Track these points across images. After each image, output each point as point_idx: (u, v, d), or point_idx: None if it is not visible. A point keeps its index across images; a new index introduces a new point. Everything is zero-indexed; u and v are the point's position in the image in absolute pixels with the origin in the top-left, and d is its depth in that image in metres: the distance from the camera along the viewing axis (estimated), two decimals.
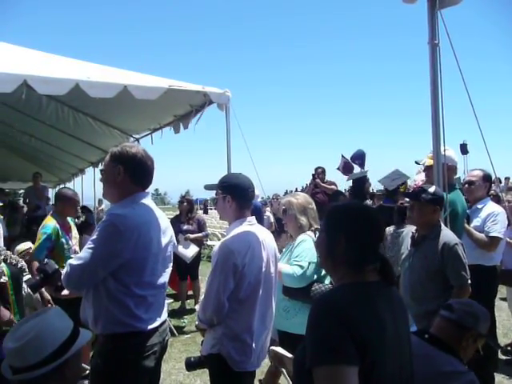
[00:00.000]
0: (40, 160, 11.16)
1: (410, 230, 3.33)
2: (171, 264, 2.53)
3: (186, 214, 7.25)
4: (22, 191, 12.94)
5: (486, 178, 4.09)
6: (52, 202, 15.43)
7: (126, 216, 2.20)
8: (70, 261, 2.24)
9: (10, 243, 5.92)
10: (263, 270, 2.53)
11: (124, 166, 2.31)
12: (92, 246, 2.18)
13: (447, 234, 3.01)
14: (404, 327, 1.56)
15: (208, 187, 2.74)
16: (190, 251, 6.80)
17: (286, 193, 16.74)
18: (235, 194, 2.58)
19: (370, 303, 1.45)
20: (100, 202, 13.75)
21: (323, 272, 3.18)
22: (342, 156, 6.91)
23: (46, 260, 3.29)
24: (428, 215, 3.05)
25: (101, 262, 2.16)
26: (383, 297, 1.51)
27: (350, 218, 1.60)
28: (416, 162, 3.79)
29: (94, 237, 2.20)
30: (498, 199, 7.18)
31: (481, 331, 2.04)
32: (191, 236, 6.90)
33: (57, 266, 2.77)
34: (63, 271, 2.26)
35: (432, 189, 3.07)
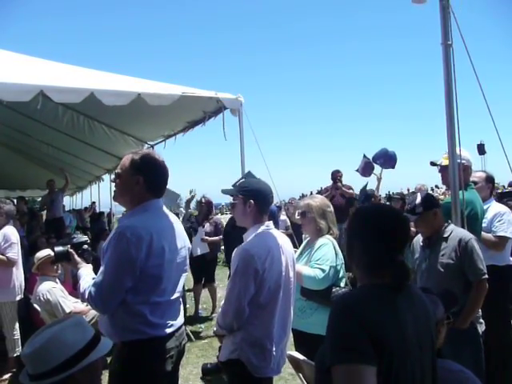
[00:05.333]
0: (57, 168, 11.35)
1: (419, 237, 3.33)
2: (187, 268, 2.53)
3: (205, 215, 7.24)
4: (39, 199, 13.13)
5: (489, 180, 4.14)
6: (68, 208, 15.68)
7: (136, 225, 2.19)
8: (90, 288, 2.19)
9: (30, 251, 6.01)
10: (283, 274, 2.52)
11: (144, 176, 2.30)
12: (108, 264, 2.17)
13: (461, 231, 3.03)
14: (426, 331, 1.55)
15: (225, 192, 2.74)
16: (200, 249, 6.78)
17: (302, 196, 16.70)
18: (257, 198, 2.57)
19: (388, 305, 1.46)
20: None
21: (340, 275, 3.24)
22: (364, 156, 6.79)
23: (74, 234, 3.26)
24: (432, 221, 3.09)
25: (123, 277, 2.15)
26: (405, 299, 1.51)
27: (365, 222, 1.62)
28: (431, 163, 3.76)
29: (108, 254, 2.18)
30: None
31: (439, 317, 2.00)
32: (209, 239, 6.89)
33: (84, 239, 2.75)
34: (86, 296, 2.22)
35: (418, 199, 3.12)
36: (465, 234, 3.01)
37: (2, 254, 4.70)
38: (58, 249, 2.55)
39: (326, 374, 1.37)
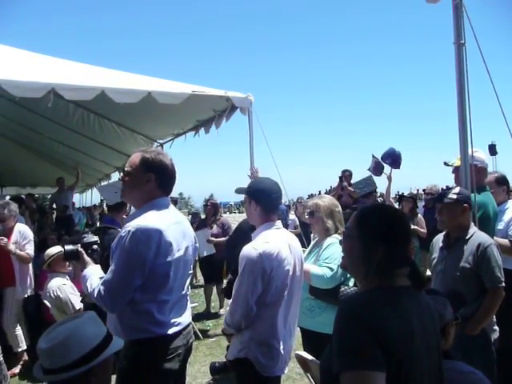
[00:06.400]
0: (68, 166, 11.44)
1: (439, 236, 3.27)
2: (192, 266, 2.55)
3: (211, 217, 7.30)
4: (49, 196, 13.24)
5: (500, 181, 3.97)
6: (77, 206, 15.78)
7: (145, 223, 2.19)
8: (100, 287, 2.21)
9: (39, 248, 6.05)
10: (290, 273, 2.52)
11: (156, 174, 2.31)
12: (118, 262, 2.18)
13: (481, 235, 2.96)
14: (432, 333, 1.52)
15: (238, 191, 2.77)
16: (206, 250, 6.85)
17: (311, 196, 16.63)
18: (259, 198, 2.59)
19: (397, 307, 1.42)
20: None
21: (348, 274, 3.18)
22: (373, 156, 6.75)
23: (85, 234, 3.26)
24: (458, 216, 2.99)
25: (132, 275, 2.16)
26: (411, 301, 1.48)
27: (387, 225, 1.55)
28: (445, 164, 3.70)
29: (117, 253, 2.19)
30: None
31: (448, 318, 1.99)
32: (214, 240, 6.93)
33: (94, 239, 2.76)
34: (95, 294, 2.23)
35: (457, 189, 3.04)
36: (485, 238, 2.92)
37: (21, 251, 4.80)
38: (68, 247, 2.56)
39: (335, 381, 1.33)
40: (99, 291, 2.19)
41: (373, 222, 1.57)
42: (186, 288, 2.45)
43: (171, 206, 2.45)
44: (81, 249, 2.54)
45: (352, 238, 1.58)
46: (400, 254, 1.52)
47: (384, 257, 1.49)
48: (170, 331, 2.27)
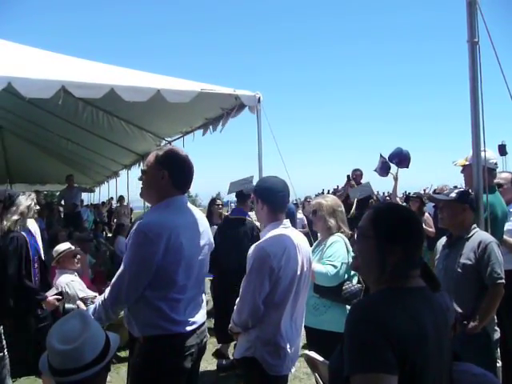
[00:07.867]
0: (76, 163, 11.52)
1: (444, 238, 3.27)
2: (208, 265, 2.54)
3: (219, 215, 7.31)
4: (58, 193, 13.37)
5: None
6: (86, 203, 15.86)
7: (155, 222, 2.21)
8: (113, 281, 2.25)
9: (49, 244, 6.09)
10: (298, 273, 2.52)
11: (169, 170, 2.31)
12: (126, 259, 2.21)
13: (483, 234, 2.97)
14: (445, 334, 1.50)
15: (246, 190, 2.78)
16: None
17: (318, 195, 16.60)
18: (265, 197, 2.60)
19: (409, 309, 1.40)
20: (121, 198, 13.81)
21: (353, 272, 3.25)
22: (381, 155, 6.75)
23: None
24: (458, 215, 3.01)
25: (138, 271, 2.18)
26: (424, 303, 1.46)
27: (404, 224, 1.52)
28: (454, 164, 3.70)
29: (127, 250, 2.22)
30: None
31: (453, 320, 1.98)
32: None
33: (93, 295, 2.82)
34: (106, 291, 2.25)
35: (460, 189, 3.09)
36: (487, 236, 2.94)
37: None
38: (69, 305, 2.68)
39: (345, 383, 1.31)
40: (110, 289, 2.22)
41: (389, 222, 1.52)
42: (201, 287, 2.45)
43: (188, 205, 2.45)
44: (81, 303, 2.58)
45: (367, 239, 1.53)
46: (415, 254, 1.50)
47: (401, 257, 1.46)
48: (184, 329, 2.27)
